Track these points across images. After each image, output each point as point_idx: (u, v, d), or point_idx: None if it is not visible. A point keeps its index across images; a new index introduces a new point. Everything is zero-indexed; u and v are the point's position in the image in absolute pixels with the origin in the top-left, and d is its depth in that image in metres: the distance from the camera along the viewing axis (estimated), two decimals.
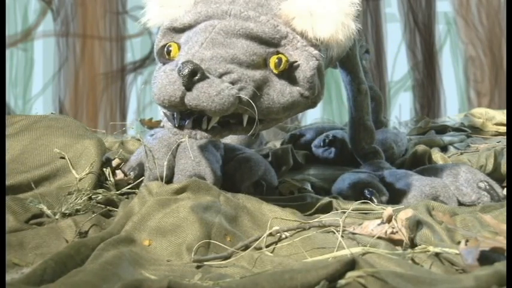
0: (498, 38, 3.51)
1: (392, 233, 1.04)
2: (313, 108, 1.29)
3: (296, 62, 1.19)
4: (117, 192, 1.33)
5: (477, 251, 0.91)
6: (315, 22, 1.19)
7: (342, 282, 0.81)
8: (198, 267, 0.98)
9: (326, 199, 1.31)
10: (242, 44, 1.16)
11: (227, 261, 1.00)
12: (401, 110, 3.50)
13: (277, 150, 1.77)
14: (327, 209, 1.28)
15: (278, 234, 1.10)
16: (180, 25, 1.25)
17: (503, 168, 1.62)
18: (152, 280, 0.80)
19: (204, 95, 1.07)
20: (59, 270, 0.90)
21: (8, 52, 3.28)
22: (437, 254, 0.97)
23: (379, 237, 1.03)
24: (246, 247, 1.05)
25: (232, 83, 1.11)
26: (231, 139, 1.75)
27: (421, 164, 1.69)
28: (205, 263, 0.99)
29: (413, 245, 1.03)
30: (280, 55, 1.18)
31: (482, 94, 3.49)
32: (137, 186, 1.37)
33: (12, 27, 3.32)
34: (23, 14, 3.34)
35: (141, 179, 1.39)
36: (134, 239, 1.08)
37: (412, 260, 0.96)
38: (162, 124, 2.28)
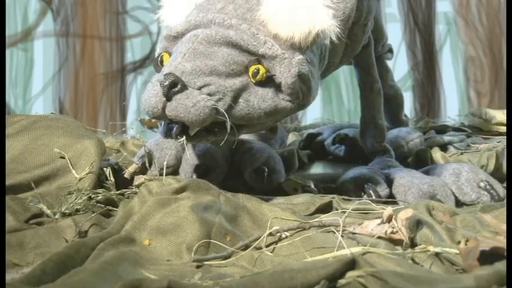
0: (498, 38, 3.50)
1: (392, 232, 1.04)
2: (303, 110, 1.31)
3: (274, 74, 1.23)
4: (117, 192, 1.34)
5: (477, 251, 0.91)
6: (291, 24, 1.23)
7: (342, 281, 0.81)
8: (198, 266, 0.98)
9: (326, 199, 1.31)
10: (223, 53, 1.21)
11: (227, 260, 1.00)
12: None
13: (283, 152, 1.77)
14: (327, 208, 1.28)
15: (278, 234, 1.10)
16: (174, 33, 1.31)
17: (505, 168, 1.62)
18: (152, 280, 0.81)
19: (181, 106, 1.14)
20: (59, 270, 0.90)
21: (8, 52, 3.27)
22: (437, 254, 0.97)
23: (379, 237, 1.03)
24: (246, 247, 1.04)
25: (210, 94, 1.17)
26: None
27: (424, 164, 1.69)
28: (205, 262, 0.99)
29: (413, 244, 1.03)
30: (258, 65, 1.22)
31: (482, 94, 3.49)
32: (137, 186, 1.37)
33: (12, 27, 3.32)
34: (23, 14, 3.33)
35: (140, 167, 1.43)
36: (134, 238, 1.08)
37: (412, 259, 0.96)
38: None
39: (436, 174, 1.47)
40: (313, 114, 3.36)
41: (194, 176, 1.38)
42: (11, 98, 3.32)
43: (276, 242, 1.08)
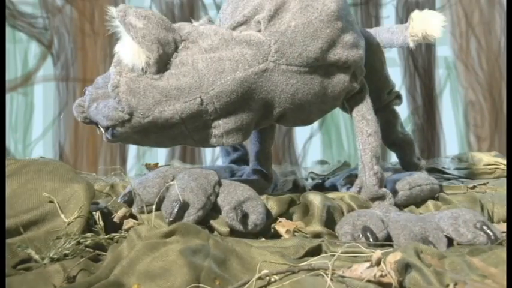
0: (498, 82, 3.50)
1: (381, 276, 1.03)
2: (138, 124, 1.51)
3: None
4: (106, 236, 1.33)
5: None
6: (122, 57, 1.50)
7: None
8: None
9: (316, 242, 1.30)
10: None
11: None
12: None
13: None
14: (316, 251, 1.27)
15: (267, 278, 1.09)
16: None
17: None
18: None
19: None
20: None
21: (8, 97, 3.28)
22: None
23: (368, 281, 1.03)
24: None
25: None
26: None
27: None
28: None
29: None
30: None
31: (482, 139, 3.48)
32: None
33: (12, 72, 3.33)
34: (23, 58, 3.35)
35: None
36: (123, 283, 1.07)
37: None
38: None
39: (436, 218, 1.47)
40: (312, 156, 3.36)
41: (174, 211, 1.38)
42: (11, 143, 3.32)
43: (265, 286, 1.08)
